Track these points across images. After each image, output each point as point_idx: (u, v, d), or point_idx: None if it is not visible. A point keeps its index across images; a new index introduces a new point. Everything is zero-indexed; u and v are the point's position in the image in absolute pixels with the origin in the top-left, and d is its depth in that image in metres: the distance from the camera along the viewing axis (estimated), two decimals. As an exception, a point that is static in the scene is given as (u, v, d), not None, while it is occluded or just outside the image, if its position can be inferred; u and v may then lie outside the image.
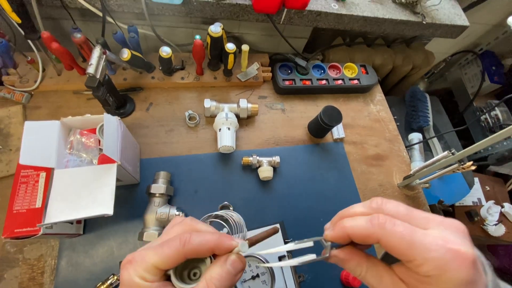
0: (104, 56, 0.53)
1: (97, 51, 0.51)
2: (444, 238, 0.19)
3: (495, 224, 0.99)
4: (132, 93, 0.67)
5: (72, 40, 0.54)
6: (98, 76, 0.51)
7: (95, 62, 0.50)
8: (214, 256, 0.24)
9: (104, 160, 0.47)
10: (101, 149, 0.49)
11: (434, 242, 0.19)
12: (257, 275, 0.52)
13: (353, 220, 0.22)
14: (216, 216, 0.56)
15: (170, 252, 0.22)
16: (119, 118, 0.48)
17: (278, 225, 0.45)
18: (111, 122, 0.45)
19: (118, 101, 0.61)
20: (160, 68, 0.68)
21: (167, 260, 0.22)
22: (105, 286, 0.47)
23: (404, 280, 0.21)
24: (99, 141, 0.49)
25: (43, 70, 0.64)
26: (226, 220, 0.56)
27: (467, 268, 0.18)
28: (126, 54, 0.57)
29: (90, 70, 0.49)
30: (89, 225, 0.54)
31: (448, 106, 1.36)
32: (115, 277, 0.48)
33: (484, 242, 1.22)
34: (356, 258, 0.23)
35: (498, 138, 0.46)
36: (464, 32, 0.84)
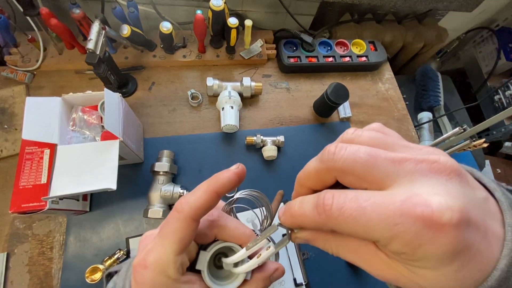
0: (104, 31, 0.51)
1: (96, 26, 0.50)
2: (411, 199, 0.13)
3: (505, 207, 0.97)
4: (134, 72, 0.66)
5: (71, 17, 0.52)
6: (98, 52, 0.50)
7: (94, 37, 0.49)
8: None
9: (107, 137, 0.46)
10: (103, 126, 0.49)
11: (397, 211, 0.13)
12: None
13: (300, 205, 0.16)
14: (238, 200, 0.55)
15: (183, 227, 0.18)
16: (120, 94, 0.48)
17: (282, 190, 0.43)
18: (112, 98, 0.45)
19: (120, 79, 0.60)
20: (162, 46, 0.66)
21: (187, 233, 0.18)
22: (112, 260, 0.48)
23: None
24: (101, 118, 0.49)
25: (44, 49, 0.63)
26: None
27: (447, 236, 0.12)
28: (126, 30, 0.55)
29: (90, 45, 0.48)
30: (95, 202, 0.55)
31: (460, 87, 1.31)
32: (122, 252, 0.49)
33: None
34: (321, 236, 0.19)
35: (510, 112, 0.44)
36: (480, 6, 0.79)
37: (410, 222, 0.13)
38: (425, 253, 0.13)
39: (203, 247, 0.21)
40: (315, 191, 0.17)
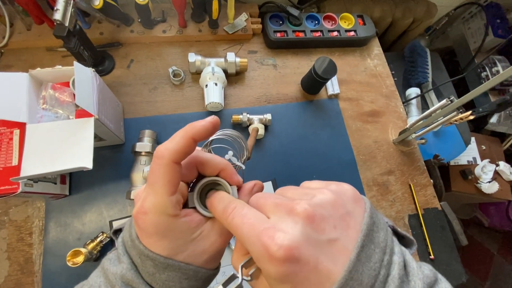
0: (72, 1, 0.47)
1: (62, -5, 0.46)
2: (269, 230, 0.17)
3: (489, 182, 1.00)
4: (111, 49, 0.62)
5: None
6: (67, 24, 0.46)
7: (61, 7, 0.45)
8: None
9: (82, 115, 0.44)
10: (77, 105, 0.46)
11: (258, 234, 0.17)
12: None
13: (219, 200, 0.21)
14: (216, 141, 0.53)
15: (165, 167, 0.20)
16: (93, 69, 0.44)
17: (257, 126, 0.45)
18: (83, 72, 0.42)
19: (95, 56, 0.57)
20: (139, 20, 0.62)
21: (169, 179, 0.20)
22: (95, 243, 0.47)
23: None
24: (74, 95, 0.46)
25: (11, 25, 0.58)
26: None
27: (274, 267, 0.16)
28: (98, 1, 0.51)
29: (57, 16, 0.44)
30: (75, 186, 0.52)
31: (449, 66, 1.31)
32: (105, 235, 0.48)
33: (476, 201, 1.24)
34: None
35: (495, 82, 0.44)
36: (470, -23, 0.77)
37: (259, 245, 0.17)
38: (264, 272, 0.17)
39: (190, 188, 0.24)
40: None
